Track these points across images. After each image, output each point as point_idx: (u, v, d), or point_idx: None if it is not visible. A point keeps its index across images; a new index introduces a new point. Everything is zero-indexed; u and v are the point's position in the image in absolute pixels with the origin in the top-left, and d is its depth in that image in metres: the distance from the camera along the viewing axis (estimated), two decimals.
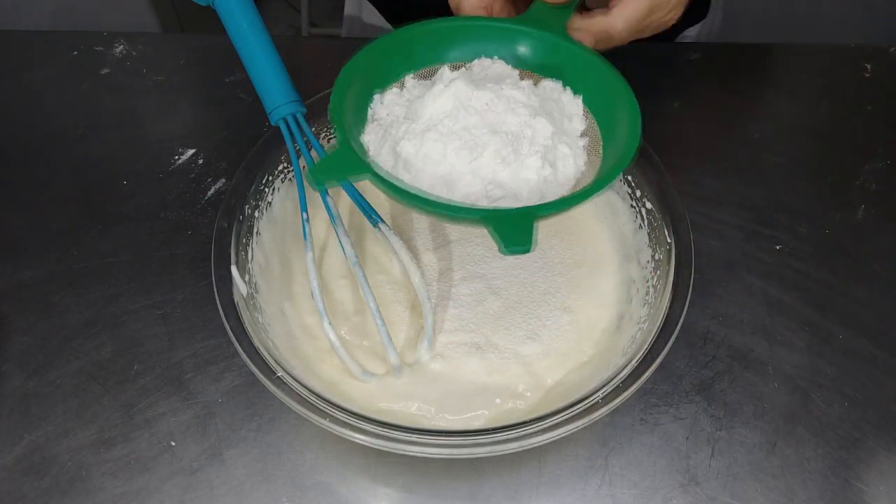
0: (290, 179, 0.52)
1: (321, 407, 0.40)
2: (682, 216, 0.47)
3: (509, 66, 0.46)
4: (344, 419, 0.40)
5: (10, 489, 0.46)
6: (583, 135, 0.45)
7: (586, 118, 0.45)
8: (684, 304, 0.44)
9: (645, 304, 0.47)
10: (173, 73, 0.68)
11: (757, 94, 0.67)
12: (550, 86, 0.45)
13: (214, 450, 0.48)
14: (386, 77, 0.46)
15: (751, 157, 0.63)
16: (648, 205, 0.49)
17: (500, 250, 0.37)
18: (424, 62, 0.47)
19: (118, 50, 0.69)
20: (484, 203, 0.40)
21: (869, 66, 0.68)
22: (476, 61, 0.46)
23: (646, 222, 0.50)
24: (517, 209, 0.39)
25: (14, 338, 0.52)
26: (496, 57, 0.46)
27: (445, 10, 0.49)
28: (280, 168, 0.51)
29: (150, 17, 1.18)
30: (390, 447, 0.39)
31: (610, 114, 0.44)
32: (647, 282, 0.48)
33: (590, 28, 0.46)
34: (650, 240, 0.49)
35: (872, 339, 0.52)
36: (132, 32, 0.71)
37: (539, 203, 0.40)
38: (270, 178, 0.51)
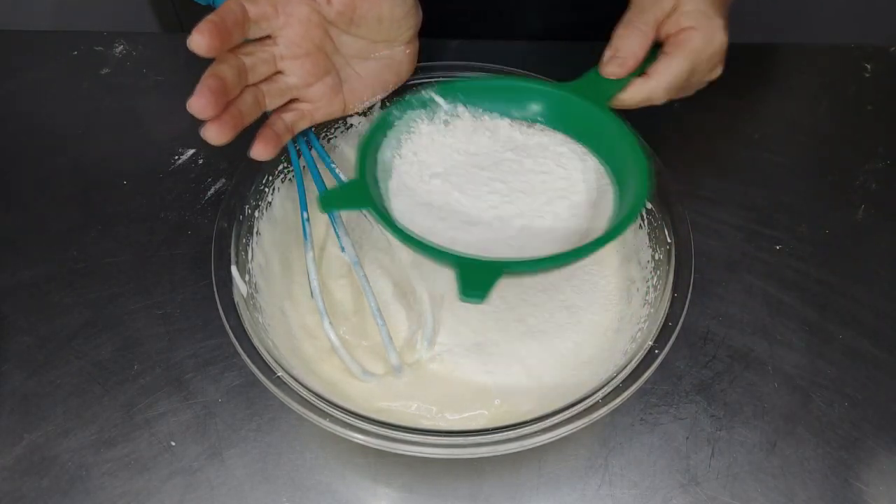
0: (290, 179, 0.52)
1: (321, 407, 0.40)
2: (682, 216, 0.47)
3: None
4: (344, 419, 0.40)
5: (10, 489, 0.46)
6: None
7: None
8: (684, 304, 0.44)
9: (645, 304, 0.47)
10: (173, 73, 0.68)
11: (757, 94, 0.67)
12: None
13: (214, 450, 0.48)
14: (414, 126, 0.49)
15: (751, 157, 0.63)
16: (648, 205, 0.49)
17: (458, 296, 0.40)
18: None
19: (118, 50, 0.69)
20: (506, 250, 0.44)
21: (869, 66, 0.68)
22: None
23: (646, 222, 0.49)
24: (486, 261, 0.40)
25: (14, 338, 0.52)
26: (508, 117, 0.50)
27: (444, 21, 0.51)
28: (280, 168, 0.51)
29: (150, 17, 1.17)
30: (390, 447, 0.39)
31: (621, 177, 0.47)
32: (647, 282, 0.48)
33: (633, 98, 0.48)
34: (650, 240, 0.49)
35: (872, 339, 0.52)
36: (132, 32, 0.71)
37: (517, 258, 0.42)
38: (270, 178, 0.51)
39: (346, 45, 0.47)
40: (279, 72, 0.45)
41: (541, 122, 0.49)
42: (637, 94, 0.48)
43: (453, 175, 0.47)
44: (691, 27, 0.47)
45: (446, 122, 0.49)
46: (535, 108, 0.49)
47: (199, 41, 0.39)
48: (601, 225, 0.45)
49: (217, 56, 0.41)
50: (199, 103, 0.40)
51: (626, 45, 0.48)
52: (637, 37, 0.48)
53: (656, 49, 0.49)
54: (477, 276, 0.39)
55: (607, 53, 0.49)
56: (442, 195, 0.46)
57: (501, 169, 0.48)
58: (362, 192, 0.43)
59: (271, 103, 0.45)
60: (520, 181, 0.47)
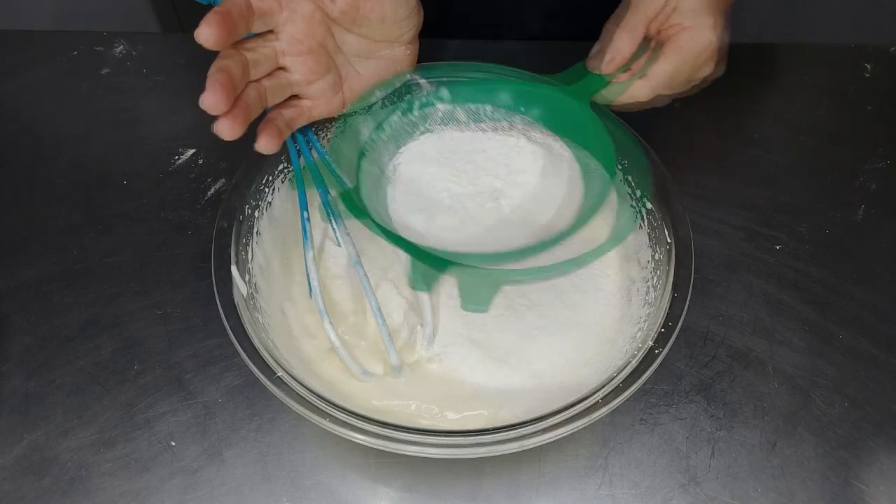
0: (290, 179, 0.52)
1: (321, 407, 0.40)
2: (682, 216, 0.47)
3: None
4: (344, 419, 0.40)
5: (10, 489, 0.46)
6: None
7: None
8: (684, 304, 0.44)
9: (645, 304, 0.47)
10: (173, 73, 0.68)
11: (757, 94, 0.67)
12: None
13: (214, 450, 0.48)
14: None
15: (751, 157, 0.63)
16: (648, 205, 0.49)
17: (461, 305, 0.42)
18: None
19: (118, 50, 0.69)
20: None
21: (869, 66, 0.68)
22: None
23: (646, 222, 0.49)
24: (487, 271, 0.41)
25: (14, 338, 0.52)
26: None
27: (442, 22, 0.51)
28: (280, 168, 0.51)
29: (150, 17, 1.17)
30: (390, 447, 0.39)
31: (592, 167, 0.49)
32: (647, 282, 0.48)
33: (635, 98, 0.50)
34: (650, 240, 0.49)
35: (872, 339, 0.52)
36: (132, 32, 0.71)
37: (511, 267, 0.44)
38: (270, 178, 0.51)
39: (348, 43, 0.47)
40: (281, 68, 0.45)
41: (522, 114, 0.51)
42: (639, 95, 0.48)
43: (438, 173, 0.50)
44: (690, 26, 0.47)
45: (428, 126, 0.51)
46: (515, 102, 0.51)
47: (206, 33, 0.39)
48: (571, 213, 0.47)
49: (221, 50, 0.41)
50: (211, 99, 0.40)
51: (613, 43, 0.48)
52: (625, 34, 0.48)
53: (656, 49, 0.49)
54: (477, 289, 0.41)
55: (595, 48, 0.49)
56: (433, 192, 0.48)
57: (475, 162, 0.51)
58: (360, 204, 0.44)
59: (272, 99, 0.45)
60: (488, 170, 0.50)
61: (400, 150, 0.50)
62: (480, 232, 0.48)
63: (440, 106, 0.51)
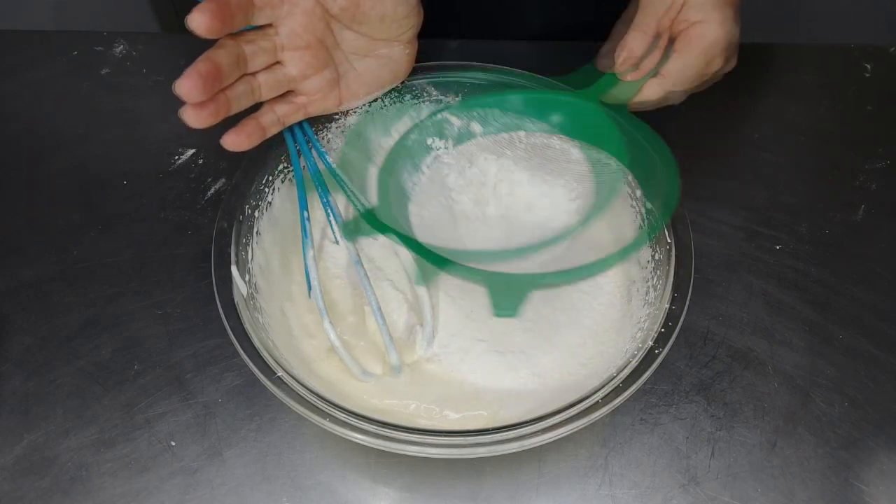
0: (290, 179, 0.52)
1: (321, 407, 0.40)
2: (682, 216, 0.47)
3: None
4: (344, 419, 0.40)
5: (10, 489, 0.46)
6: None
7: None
8: (684, 304, 0.44)
9: (645, 304, 0.47)
10: (173, 73, 0.67)
11: (757, 94, 0.67)
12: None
13: (214, 450, 0.48)
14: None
15: (751, 157, 0.63)
16: (648, 205, 0.49)
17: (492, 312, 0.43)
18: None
19: (118, 50, 0.69)
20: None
21: (869, 66, 0.68)
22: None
23: (646, 222, 0.49)
24: (516, 276, 0.42)
25: (14, 338, 0.52)
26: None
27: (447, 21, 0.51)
28: (280, 168, 0.51)
29: (150, 17, 1.17)
30: (390, 447, 0.39)
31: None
32: (647, 282, 0.48)
33: (650, 98, 0.49)
34: (650, 240, 0.49)
35: (872, 339, 0.52)
36: (132, 32, 0.71)
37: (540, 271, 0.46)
38: (270, 178, 0.51)
39: (347, 40, 0.47)
40: (278, 62, 0.45)
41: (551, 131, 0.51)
42: (653, 94, 0.48)
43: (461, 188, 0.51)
44: (701, 21, 0.47)
45: (452, 143, 0.52)
46: (526, 108, 0.51)
47: (198, 20, 0.38)
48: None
49: (220, 39, 0.41)
50: (184, 86, 0.39)
51: (626, 41, 0.48)
52: (637, 33, 0.48)
53: (668, 48, 0.49)
54: (506, 295, 0.42)
55: (605, 47, 0.49)
56: (454, 206, 0.49)
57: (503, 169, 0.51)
58: (384, 219, 0.45)
59: (267, 93, 0.45)
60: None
61: (418, 166, 0.51)
62: (499, 237, 0.49)
63: (455, 120, 0.51)
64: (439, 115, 0.50)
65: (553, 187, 0.51)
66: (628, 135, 0.47)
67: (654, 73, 0.49)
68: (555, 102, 0.50)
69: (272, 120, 0.46)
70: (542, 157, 0.51)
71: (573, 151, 0.51)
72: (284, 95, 0.47)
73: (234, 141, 0.44)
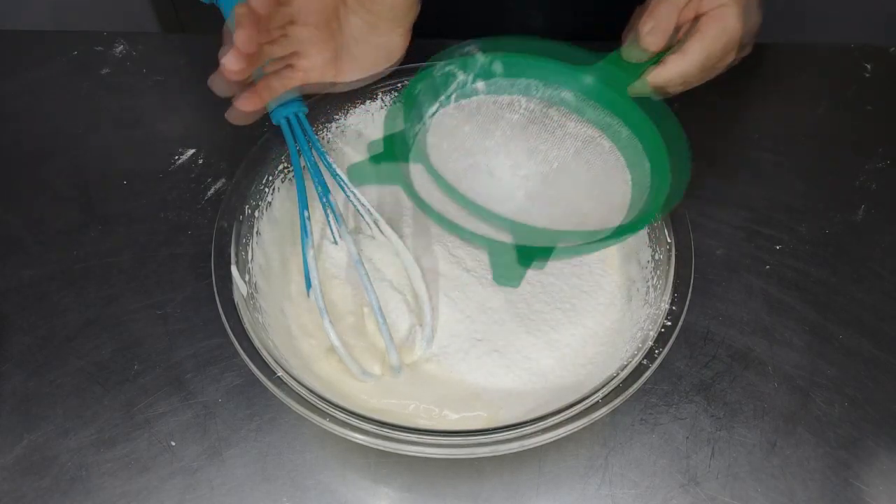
0: (289, 179, 0.52)
1: (321, 407, 0.40)
2: (682, 216, 0.47)
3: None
4: (344, 419, 0.40)
5: (10, 489, 0.46)
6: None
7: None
8: (684, 304, 0.44)
9: (645, 304, 0.47)
10: (173, 73, 0.68)
11: (757, 94, 0.67)
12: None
13: (214, 450, 0.48)
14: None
15: (751, 157, 0.63)
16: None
17: (493, 279, 0.42)
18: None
19: (118, 50, 0.69)
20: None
21: (869, 66, 0.68)
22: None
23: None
24: (538, 230, 0.41)
25: (14, 338, 0.52)
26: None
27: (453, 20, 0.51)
28: (280, 168, 0.51)
29: (150, 17, 1.17)
30: (390, 447, 0.39)
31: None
32: (647, 282, 0.48)
33: (667, 76, 0.48)
34: (650, 240, 0.49)
35: (872, 339, 0.52)
36: (132, 32, 0.71)
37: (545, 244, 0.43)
38: (270, 177, 0.51)
39: (351, 24, 0.49)
40: (283, 35, 0.47)
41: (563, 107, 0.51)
42: (670, 72, 0.47)
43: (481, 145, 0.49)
44: (726, 4, 0.47)
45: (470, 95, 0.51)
46: (563, 92, 0.51)
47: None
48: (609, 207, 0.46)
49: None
50: (242, 36, 0.40)
51: (654, 11, 0.47)
52: (667, 3, 0.47)
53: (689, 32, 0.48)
54: (509, 264, 0.41)
55: (648, 25, 0.47)
56: (470, 168, 0.48)
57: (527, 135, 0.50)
58: (397, 164, 0.45)
59: (275, 52, 0.46)
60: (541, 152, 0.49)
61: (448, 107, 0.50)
62: (514, 209, 0.47)
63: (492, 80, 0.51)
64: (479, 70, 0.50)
65: (578, 172, 0.49)
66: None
67: (677, 49, 0.48)
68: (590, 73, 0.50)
69: (266, 91, 0.47)
70: (592, 159, 0.50)
71: (621, 160, 0.50)
72: (283, 69, 0.48)
73: (249, 100, 0.45)
